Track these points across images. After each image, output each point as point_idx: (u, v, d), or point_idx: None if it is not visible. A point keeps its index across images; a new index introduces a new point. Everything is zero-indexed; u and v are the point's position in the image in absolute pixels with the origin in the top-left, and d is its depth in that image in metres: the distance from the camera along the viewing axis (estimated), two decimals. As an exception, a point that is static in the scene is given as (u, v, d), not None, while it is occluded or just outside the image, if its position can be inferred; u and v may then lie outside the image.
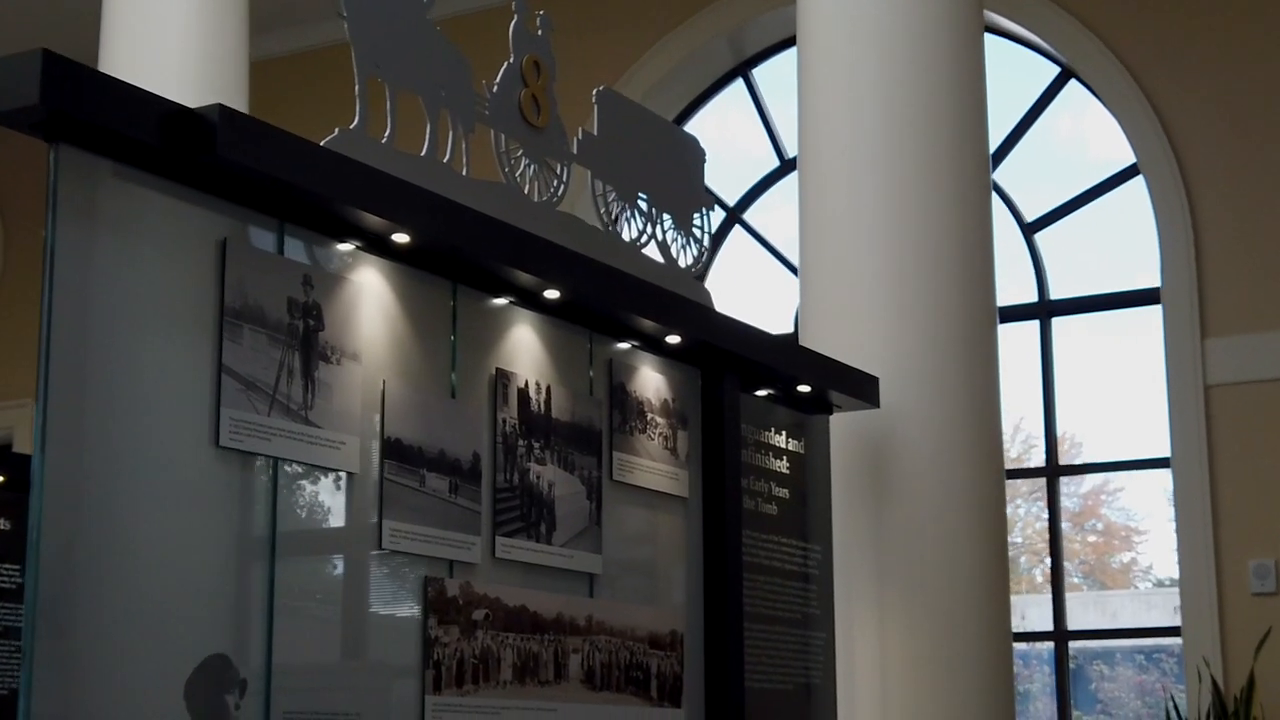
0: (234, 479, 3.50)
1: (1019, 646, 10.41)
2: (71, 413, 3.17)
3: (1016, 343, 9.82)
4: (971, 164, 6.40)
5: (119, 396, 3.27)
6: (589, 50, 10.20)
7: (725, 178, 10.79)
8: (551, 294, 4.40)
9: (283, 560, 3.57)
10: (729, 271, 10.96)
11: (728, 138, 11.33)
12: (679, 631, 4.84)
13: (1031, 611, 11.13)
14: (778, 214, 10.82)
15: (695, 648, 4.94)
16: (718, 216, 10.76)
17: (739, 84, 11.06)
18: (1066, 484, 10.81)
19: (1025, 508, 11.91)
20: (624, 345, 4.81)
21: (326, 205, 3.72)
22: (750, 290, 10.99)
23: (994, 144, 9.79)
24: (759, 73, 10.99)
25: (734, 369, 5.17)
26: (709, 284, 5.47)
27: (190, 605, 3.36)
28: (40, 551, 3.07)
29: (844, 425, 5.98)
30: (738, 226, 10.95)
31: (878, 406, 5.86)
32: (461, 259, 4.14)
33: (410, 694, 3.89)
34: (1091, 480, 11.76)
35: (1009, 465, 9.66)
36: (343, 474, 3.77)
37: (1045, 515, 10.07)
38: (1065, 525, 11.06)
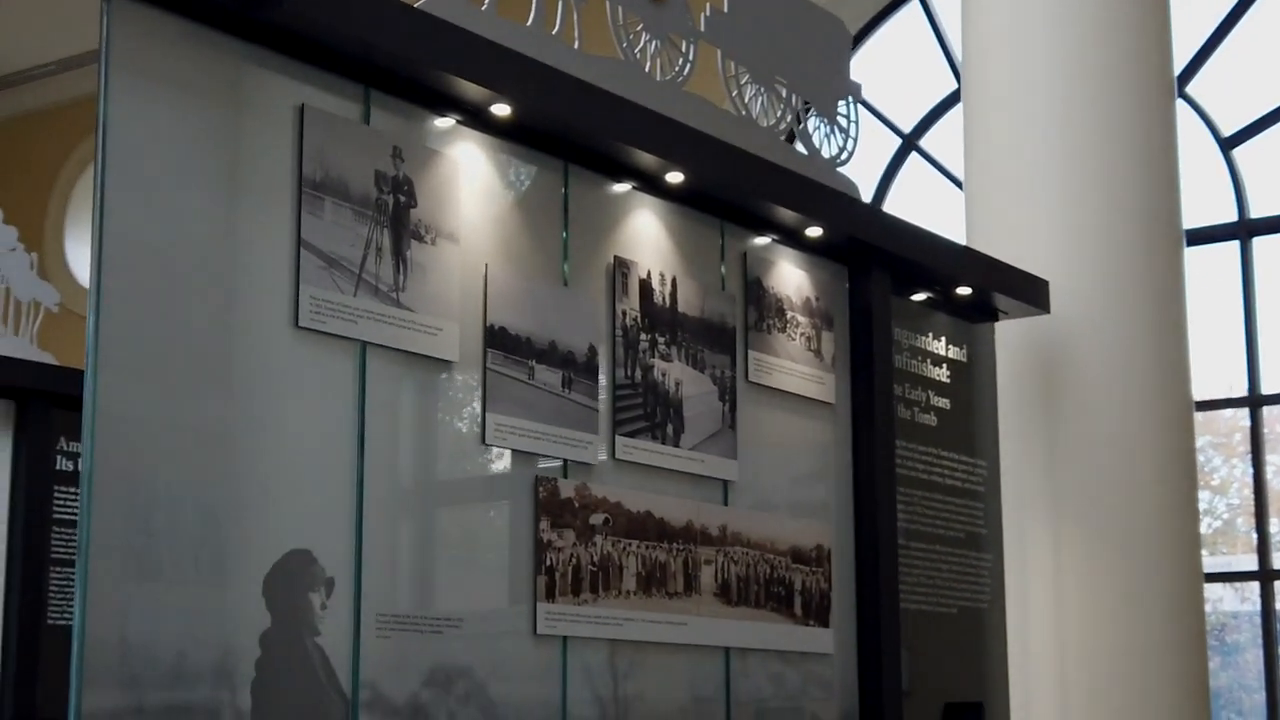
0: (317, 363, 3.25)
1: (1227, 598, 9.84)
2: (126, 286, 2.93)
3: (1214, 265, 9.22)
4: (1153, 71, 5.91)
5: (181, 271, 3.03)
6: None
7: (900, 105, 10.33)
8: (675, 178, 4.07)
9: (373, 453, 3.31)
10: (905, 202, 10.50)
11: (903, 62, 10.85)
12: (826, 546, 4.49)
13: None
14: (957, 143, 10.31)
15: (845, 565, 4.58)
16: (889, 144, 10.31)
17: (914, 5, 10.56)
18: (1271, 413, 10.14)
19: (1240, 469, 11.21)
20: (762, 239, 4.47)
21: (416, 71, 3.44)
22: (929, 224, 10.50)
23: (1188, 54, 9.20)
24: (934, -7, 10.49)
25: (884, 267, 4.78)
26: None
27: (269, 497, 3.12)
28: (95, 431, 2.84)
29: (1011, 334, 5.56)
30: (914, 154, 10.48)
31: (1048, 312, 5.43)
32: (573, 136, 3.83)
33: (520, 601, 3.61)
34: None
35: (1209, 397, 9.12)
36: (440, 362, 3.50)
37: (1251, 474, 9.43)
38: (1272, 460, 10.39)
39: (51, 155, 11.91)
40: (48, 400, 5.89)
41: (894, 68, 10.48)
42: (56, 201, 11.90)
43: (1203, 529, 6.35)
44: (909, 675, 4.67)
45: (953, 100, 10.39)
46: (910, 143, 10.51)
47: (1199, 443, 6.17)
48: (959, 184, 10.22)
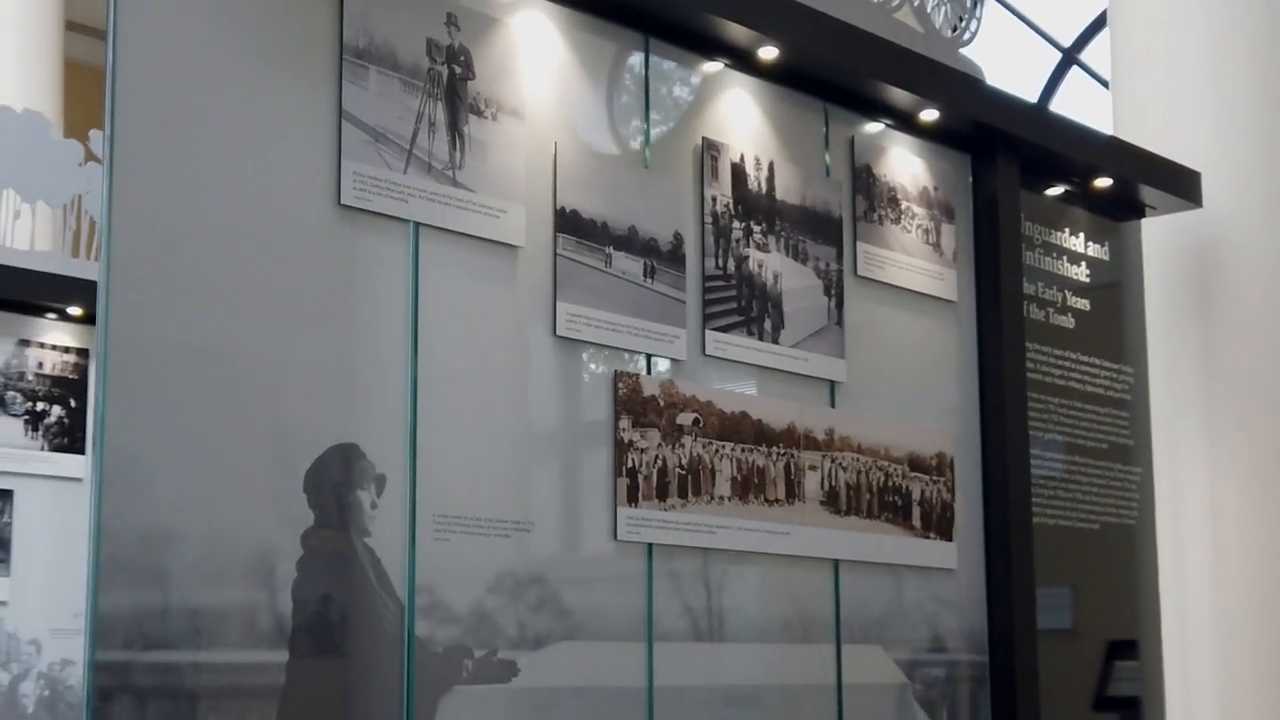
0: (363, 244, 3.01)
1: None
2: (144, 155, 2.72)
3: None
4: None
5: (209, 146, 2.81)
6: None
7: (1059, 19, 9.85)
8: (769, 54, 3.76)
9: (428, 342, 3.07)
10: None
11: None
12: (948, 454, 4.16)
13: None
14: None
15: (970, 475, 4.24)
16: (1048, 59, 9.83)
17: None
18: None
19: None
20: (872, 125, 4.13)
21: (470, -69, 3.18)
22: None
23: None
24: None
25: (1012, 154, 4.42)
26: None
27: (312, 387, 2.90)
28: (110, 300, 2.63)
29: (1160, 231, 5.15)
30: (1074, 68, 9.98)
31: (1199, 205, 5.00)
32: (654, 8, 3.54)
33: (597, 505, 3.35)
34: None
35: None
36: (505, 247, 3.24)
37: None
38: None
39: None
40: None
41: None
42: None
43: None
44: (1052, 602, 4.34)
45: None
46: (1070, 57, 10.01)
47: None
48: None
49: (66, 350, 5.27)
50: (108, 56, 2.69)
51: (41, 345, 5.19)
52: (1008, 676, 4.16)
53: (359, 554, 2.91)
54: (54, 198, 5.35)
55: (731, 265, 3.70)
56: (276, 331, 2.86)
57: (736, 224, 3.72)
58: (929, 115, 4.16)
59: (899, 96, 4.07)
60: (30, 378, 5.19)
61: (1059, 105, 10.08)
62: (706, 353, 3.61)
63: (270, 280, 2.86)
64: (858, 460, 3.90)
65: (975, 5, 4.54)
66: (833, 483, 3.83)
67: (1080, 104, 10.05)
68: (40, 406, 5.20)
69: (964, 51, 4.41)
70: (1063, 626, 4.67)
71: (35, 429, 5.16)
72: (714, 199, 3.68)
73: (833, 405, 3.89)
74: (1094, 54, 9.95)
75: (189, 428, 2.71)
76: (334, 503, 2.89)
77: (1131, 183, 4.82)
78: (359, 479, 2.93)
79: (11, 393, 5.15)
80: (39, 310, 5.12)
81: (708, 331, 3.61)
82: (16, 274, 4.99)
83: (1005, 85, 4.49)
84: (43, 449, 5.17)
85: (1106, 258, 4.87)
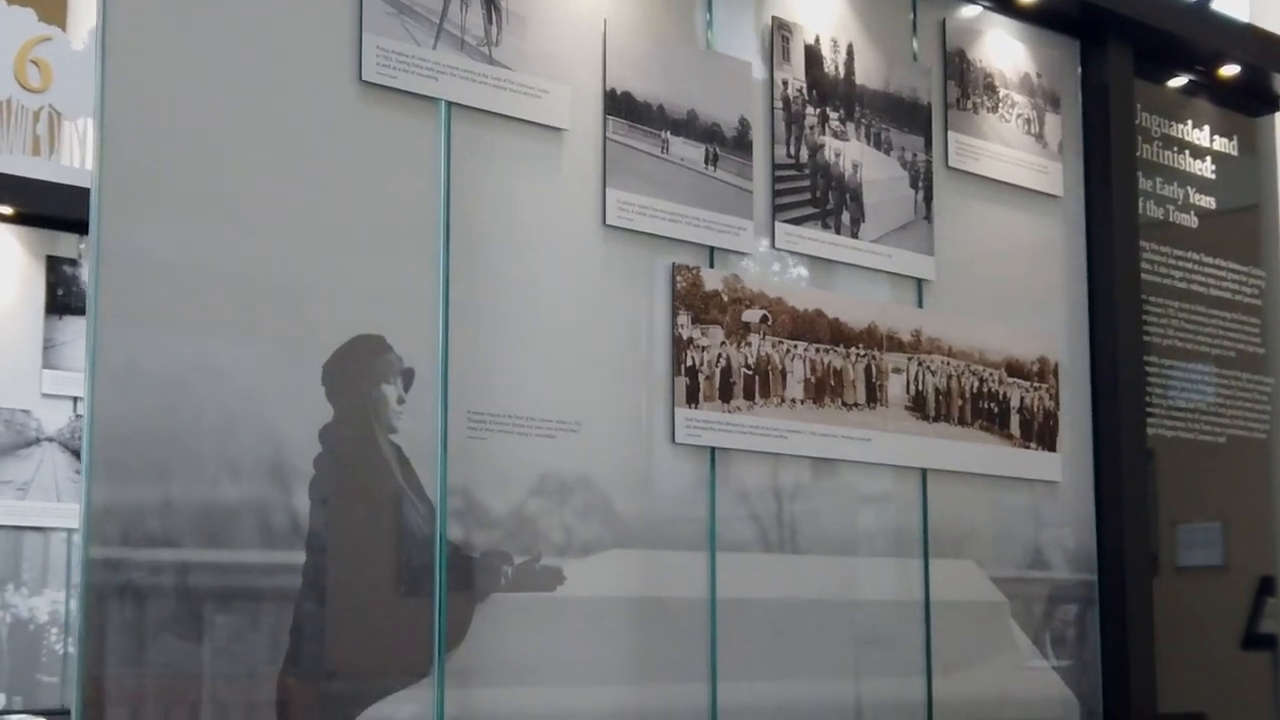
0: (388, 124, 2.83)
1: None
2: (139, 36, 2.56)
3: None
4: None
5: (211, 16, 2.64)
6: None
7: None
8: (846, -74, 3.51)
9: (461, 229, 2.88)
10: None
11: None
12: (1051, 360, 3.87)
13: None
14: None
15: (1077, 381, 3.96)
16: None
17: None
18: None
19: None
20: (968, 9, 3.85)
21: None
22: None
23: None
24: None
25: (1126, 39, 4.10)
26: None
27: (331, 274, 2.72)
28: (102, 188, 2.49)
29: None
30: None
31: (1339, 95, 4.63)
32: (714, -124, 3.31)
33: (653, 405, 3.14)
34: None
35: None
36: (547, 129, 3.04)
37: None
38: None
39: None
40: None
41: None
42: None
43: None
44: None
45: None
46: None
47: None
48: None
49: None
50: (101, -81, 2.53)
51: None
52: (1118, 597, 3.88)
53: (384, 452, 2.74)
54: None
55: (805, 154, 3.45)
56: (294, 217, 2.69)
57: (811, 110, 3.47)
58: (1029, -4, 3.87)
59: (995, -26, 3.79)
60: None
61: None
62: (776, 246, 3.38)
63: (287, 163, 2.70)
64: (948, 364, 3.64)
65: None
66: (919, 387, 3.58)
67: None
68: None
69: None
70: (1214, 563, 4.38)
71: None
72: (785, 82, 3.44)
73: (920, 305, 3.63)
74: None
75: (196, 316, 2.56)
76: (356, 397, 2.72)
77: (1264, 72, 4.46)
78: (384, 372, 2.76)
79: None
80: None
81: (777, 223, 3.38)
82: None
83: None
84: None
85: (1235, 153, 4.53)
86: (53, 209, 5.29)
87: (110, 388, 2.45)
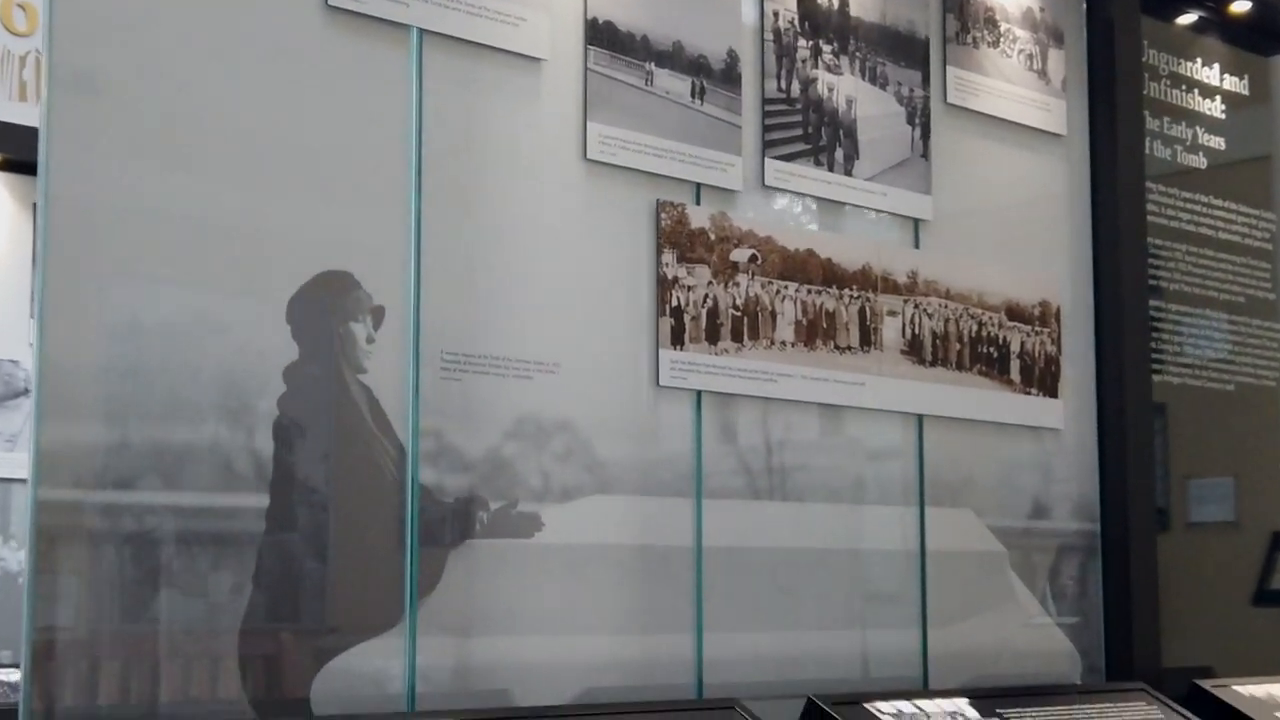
0: (355, 51, 2.71)
1: None
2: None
3: None
4: None
5: (172, -68, 2.54)
6: None
7: None
8: None
9: (433, 162, 2.77)
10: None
11: None
12: (1053, 303, 3.76)
13: None
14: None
15: (1079, 326, 3.84)
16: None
17: None
18: None
19: None
20: (969, -62, 3.72)
21: None
22: None
23: None
24: None
25: (1132, -28, 3.97)
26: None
27: (296, 208, 2.62)
28: (51, 120, 2.38)
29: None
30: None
31: (1354, 33, 4.49)
32: None
33: (636, 346, 3.03)
34: None
35: None
36: (524, 59, 2.92)
37: None
38: None
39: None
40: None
41: None
42: None
43: None
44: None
45: None
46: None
47: None
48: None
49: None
50: None
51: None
52: (1122, 548, 3.78)
53: (352, 392, 2.64)
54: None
55: (796, 88, 3.33)
56: (256, 150, 2.58)
57: (803, 42, 3.35)
58: (1032, -74, 3.74)
59: (996, -96, 3.65)
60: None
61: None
62: (766, 183, 3.26)
63: (248, 94, 2.58)
64: (945, 307, 3.53)
65: None
66: (916, 330, 3.47)
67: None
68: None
69: None
70: (1226, 518, 4.28)
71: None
72: (776, 13, 3.31)
73: (916, 246, 3.52)
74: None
75: (153, 254, 2.46)
76: (323, 335, 2.62)
77: (1276, 9, 4.33)
78: (352, 310, 2.66)
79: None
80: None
81: (767, 160, 3.26)
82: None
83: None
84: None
85: (1246, 92, 4.39)
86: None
87: (62, 326, 2.35)
